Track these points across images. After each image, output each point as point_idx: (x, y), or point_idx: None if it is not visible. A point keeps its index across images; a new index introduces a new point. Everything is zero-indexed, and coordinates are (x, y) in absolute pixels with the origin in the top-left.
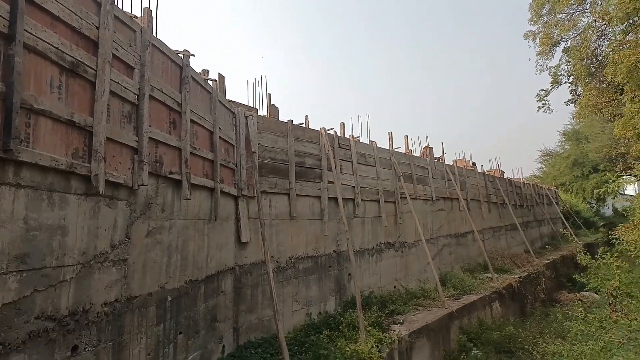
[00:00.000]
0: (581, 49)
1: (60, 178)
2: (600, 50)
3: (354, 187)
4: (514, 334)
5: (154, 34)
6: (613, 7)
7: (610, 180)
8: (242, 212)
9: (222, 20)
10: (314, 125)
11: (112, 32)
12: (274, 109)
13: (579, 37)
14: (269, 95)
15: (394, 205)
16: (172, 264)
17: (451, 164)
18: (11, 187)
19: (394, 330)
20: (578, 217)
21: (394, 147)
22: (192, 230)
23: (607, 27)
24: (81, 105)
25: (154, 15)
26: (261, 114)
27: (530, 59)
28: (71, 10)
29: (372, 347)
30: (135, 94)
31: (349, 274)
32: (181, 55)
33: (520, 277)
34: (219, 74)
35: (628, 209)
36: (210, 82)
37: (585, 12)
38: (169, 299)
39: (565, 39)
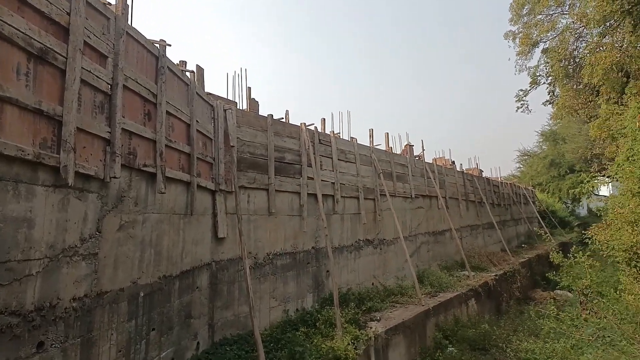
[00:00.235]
0: (559, 50)
1: (27, 169)
2: (577, 52)
3: (333, 183)
4: (488, 331)
5: (129, 22)
6: (591, 9)
7: (585, 181)
8: (219, 207)
9: (203, 13)
10: (294, 120)
11: (84, 19)
12: (253, 103)
13: (557, 38)
14: (249, 88)
15: (373, 202)
16: (145, 259)
17: (431, 162)
18: None
19: (370, 327)
20: (554, 217)
21: (374, 144)
22: (167, 224)
23: (585, 29)
24: (50, 93)
25: (129, 3)
26: (241, 108)
27: (510, 59)
28: None
29: (349, 344)
30: (108, 83)
31: (327, 271)
32: (157, 45)
33: (496, 275)
34: (197, 65)
35: (602, 209)
36: (187, 74)
37: (564, 14)
38: (142, 294)
39: (544, 40)
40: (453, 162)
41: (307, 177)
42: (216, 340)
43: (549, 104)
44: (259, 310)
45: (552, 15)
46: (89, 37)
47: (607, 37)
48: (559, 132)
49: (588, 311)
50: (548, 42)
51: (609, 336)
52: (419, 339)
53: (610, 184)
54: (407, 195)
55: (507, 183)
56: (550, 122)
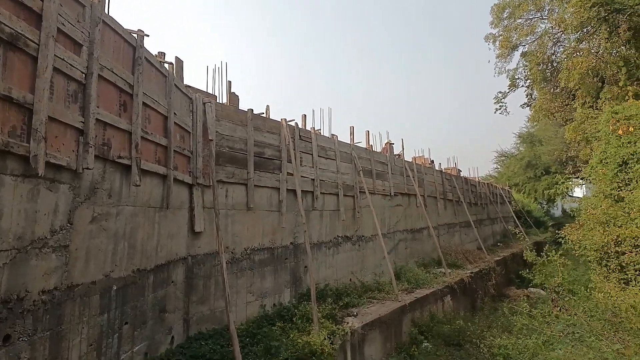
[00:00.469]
0: (538, 54)
1: None
2: (555, 56)
3: (313, 179)
4: (463, 327)
5: (105, 11)
6: (569, 15)
7: (560, 182)
8: (196, 201)
9: (185, 4)
10: (275, 116)
11: (57, 6)
12: (233, 97)
13: (536, 42)
14: (229, 82)
15: (352, 199)
16: (118, 252)
17: (410, 160)
18: None
19: (347, 323)
20: (529, 217)
21: (355, 142)
22: (142, 218)
23: (563, 35)
24: (21, 81)
25: None
26: (220, 102)
27: (490, 61)
28: None
29: (325, 338)
30: (82, 72)
31: (306, 266)
32: (135, 35)
33: (472, 272)
34: (176, 57)
35: (575, 210)
36: (166, 66)
37: (543, 19)
38: (115, 288)
39: (523, 44)
40: (432, 161)
41: (287, 172)
42: (191, 334)
43: (527, 106)
44: (235, 305)
45: (531, 19)
46: (63, 24)
47: (584, 42)
48: (536, 134)
49: (559, 308)
50: (527, 45)
51: (578, 332)
52: (395, 334)
53: (583, 185)
54: (387, 193)
55: (484, 183)
56: (528, 124)
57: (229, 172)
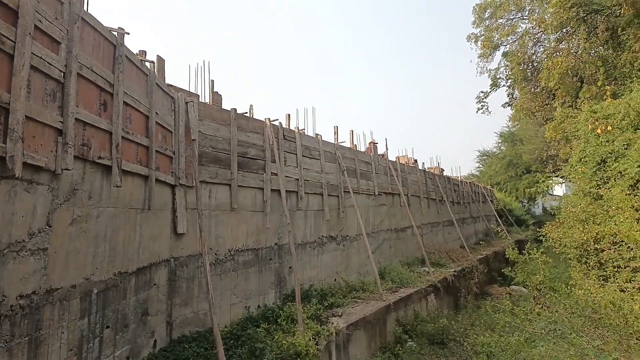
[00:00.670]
0: (519, 54)
1: None
2: (536, 56)
3: (297, 179)
4: (447, 326)
5: (84, 8)
6: (549, 15)
7: (541, 181)
8: (179, 201)
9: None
10: (259, 115)
11: (34, 2)
12: (216, 96)
13: (517, 42)
14: (212, 81)
15: (337, 199)
16: (99, 254)
17: (394, 160)
18: None
19: (332, 323)
20: (511, 215)
21: (339, 142)
22: (123, 219)
23: (543, 35)
24: None
25: None
26: (203, 101)
27: (472, 61)
28: None
29: (310, 339)
30: (61, 70)
31: (290, 267)
32: (115, 33)
33: (455, 271)
34: (157, 56)
35: (555, 208)
36: (147, 64)
37: (523, 19)
38: (95, 291)
39: (504, 44)
40: (415, 161)
41: (271, 172)
42: (174, 337)
43: (508, 106)
44: (219, 307)
45: (512, 19)
46: (40, 21)
47: (563, 43)
48: (517, 133)
49: (541, 306)
50: (508, 45)
51: (560, 329)
52: (379, 333)
53: (563, 184)
54: (371, 193)
55: (466, 182)
56: (509, 123)
57: (212, 173)
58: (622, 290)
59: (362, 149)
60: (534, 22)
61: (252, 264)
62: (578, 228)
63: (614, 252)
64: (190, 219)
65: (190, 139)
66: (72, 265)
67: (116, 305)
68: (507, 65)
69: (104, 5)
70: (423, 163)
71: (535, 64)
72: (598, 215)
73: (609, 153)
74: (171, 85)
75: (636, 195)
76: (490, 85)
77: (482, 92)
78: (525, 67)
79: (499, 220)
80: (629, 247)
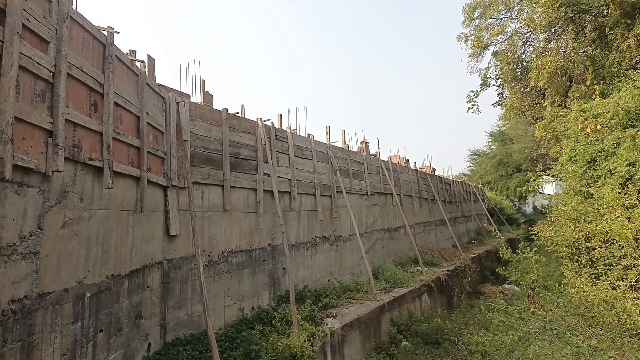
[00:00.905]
0: (508, 54)
1: None
2: (525, 55)
3: (290, 180)
4: (441, 325)
5: (73, 6)
6: (538, 15)
7: (531, 180)
8: (171, 203)
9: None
10: (251, 115)
11: (22, 1)
12: (208, 96)
13: (506, 42)
14: (203, 81)
15: (330, 199)
16: (91, 257)
17: (386, 159)
18: None
19: (327, 324)
20: (502, 214)
21: (331, 141)
22: (115, 221)
23: (532, 34)
24: None
25: None
26: (194, 101)
27: (462, 61)
28: None
29: (305, 341)
30: (50, 71)
31: (284, 268)
32: (105, 32)
33: (448, 270)
34: (148, 55)
35: (546, 206)
36: (138, 64)
37: (513, 19)
38: (88, 294)
39: (494, 43)
40: (407, 160)
41: (264, 173)
42: (168, 340)
43: (498, 105)
44: (213, 309)
45: (502, 19)
46: (28, 20)
47: (552, 42)
48: (507, 132)
49: (535, 305)
50: (498, 45)
51: (556, 328)
52: (374, 334)
53: (554, 183)
54: (363, 193)
55: (458, 181)
56: (499, 123)
57: (205, 173)
58: (614, 288)
59: (354, 149)
60: (523, 22)
61: (245, 265)
62: (569, 226)
63: (605, 250)
64: (183, 220)
65: (182, 140)
66: (64, 269)
67: (109, 308)
68: (497, 65)
69: (103, 6)
70: (415, 162)
71: (524, 64)
72: (589, 213)
73: (599, 152)
74: (162, 85)
75: (626, 193)
76: (481, 84)
77: (472, 91)
78: (515, 66)
79: (490, 219)
80: (619, 245)
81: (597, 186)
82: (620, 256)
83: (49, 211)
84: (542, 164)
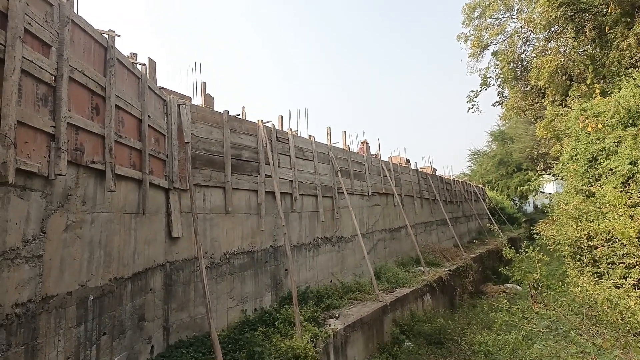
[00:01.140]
0: (508, 53)
1: None
2: (525, 55)
3: (291, 181)
4: (444, 325)
5: (74, 10)
6: (537, 14)
7: (532, 179)
8: (173, 205)
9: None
10: (251, 117)
11: (24, 4)
12: (209, 99)
13: (506, 41)
14: (204, 83)
15: (331, 200)
16: (94, 260)
17: (387, 160)
18: None
19: (329, 325)
20: (503, 213)
21: (332, 142)
22: (117, 224)
23: (532, 34)
24: None
25: None
26: (195, 103)
27: (462, 61)
28: None
29: (308, 342)
30: (52, 74)
31: (286, 269)
32: (106, 36)
33: (450, 270)
34: (149, 58)
35: (547, 206)
36: (139, 67)
37: (512, 18)
38: (91, 298)
39: (494, 43)
40: (408, 161)
41: (265, 174)
42: (172, 343)
43: (499, 104)
44: (216, 311)
45: (501, 19)
46: (30, 24)
47: (552, 42)
48: (508, 132)
49: (539, 304)
50: (498, 45)
51: (560, 328)
52: (376, 334)
53: (555, 182)
54: (365, 193)
55: (459, 181)
56: (500, 122)
57: (206, 175)
58: (616, 287)
59: (355, 150)
60: (523, 22)
61: (247, 266)
62: (571, 225)
63: (608, 248)
64: (185, 222)
65: (183, 142)
66: (67, 272)
67: (112, 311)
68: (497, 65)
69: (104, 13)
70: (415, 163)
71: (524, 63)
72: (591, 212)
73: (600, 150)
74: (163, 88)
75: (628, 192)
76: (481, 84)
77: (472, 91)
78: (515, 66)
79: (491, 218)
80: (622, 243)
81: (599, 185)
82: (622, 255)
83: (52, 215)
84: (543, 163)
